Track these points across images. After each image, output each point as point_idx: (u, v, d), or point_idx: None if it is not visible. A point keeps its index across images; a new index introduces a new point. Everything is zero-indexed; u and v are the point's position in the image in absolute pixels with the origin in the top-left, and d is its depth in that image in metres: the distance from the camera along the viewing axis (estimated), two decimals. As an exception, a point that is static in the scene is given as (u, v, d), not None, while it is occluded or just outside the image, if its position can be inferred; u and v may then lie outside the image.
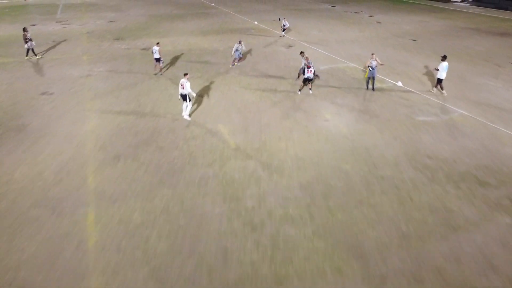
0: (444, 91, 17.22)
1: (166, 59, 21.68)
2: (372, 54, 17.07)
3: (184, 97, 14.00)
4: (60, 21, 32.78)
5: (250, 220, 9.16)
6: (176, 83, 17.97)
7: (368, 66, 17.08)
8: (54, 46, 24.35)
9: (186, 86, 13.75)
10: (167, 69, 20.18)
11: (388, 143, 12.91)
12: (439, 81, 17.15)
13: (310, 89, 16.87)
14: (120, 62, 21.24)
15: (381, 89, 17.78)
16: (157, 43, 18.68)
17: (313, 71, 16.29)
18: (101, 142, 12.68)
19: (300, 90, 16.95)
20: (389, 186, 10.59)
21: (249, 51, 23.84)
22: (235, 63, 20.80)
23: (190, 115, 14.55)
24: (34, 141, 12.69)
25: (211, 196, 10.02)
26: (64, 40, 25.96)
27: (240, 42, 20.11)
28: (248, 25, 32.22)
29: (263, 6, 43.96)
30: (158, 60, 18.77)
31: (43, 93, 16.70)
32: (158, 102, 15.97)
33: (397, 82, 18.61)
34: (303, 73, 16.43)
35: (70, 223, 8.99)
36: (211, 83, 18.23)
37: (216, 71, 19.98)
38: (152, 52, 18.66)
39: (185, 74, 13.94)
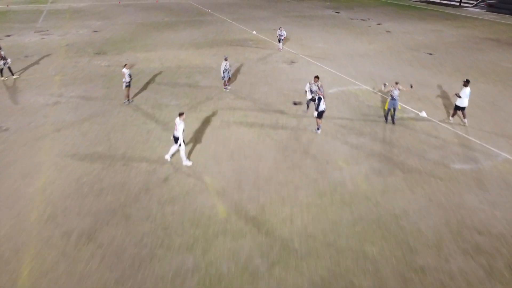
0: (466, 120, 14.74)
1: (150, 79, 18.80)
2: (396, 83, 14.14)
3: (176, 139, 11.19)
4: (40, 31, 29.85)
5: None
6: (157, 114, 15.08)
7: (390, 95, 14.21)
8: (25, 63, 21.43)
9: (179, 129, 10.98)
10: (141, 93, 17.26)
11: (422, 207, 10.02)
12: (459, 108, 14.54)
13: (319, 128, 13.97)
14: (96, 84, 18.32)
15: (402, 121, 14.90)
16: (125, 65, 15.60)
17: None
18: (51, 207, 9.78)
19: (319, 128, 13.90)
20: (434, 286, 7.70)
21: (247, 69, 20.95)
22: (228, 87, 17.87)
23: (188, 158, 12.00)
24: (-35, 206, 9.81)
25: (188, 309, 7.14)
26: (38, 55, 23.03)
27: (226, 59, 17.06)
28: (245, 35, 29.32)
29: (262, 12, 41.04)
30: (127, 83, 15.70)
31: (-5, 129, 13.82)
32: (133, 142, 13.07)
33: (420, 111, 15.72)
34: (318, 106, 13.30)
35: None
36: (200, 113, 15.34)
37: (207, 97, 17.07)
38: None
39: (180, 114, 11.10)
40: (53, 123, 14.32)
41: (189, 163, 11.71)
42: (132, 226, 9.17)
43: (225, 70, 16.99)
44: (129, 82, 15.60)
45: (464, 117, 14.70)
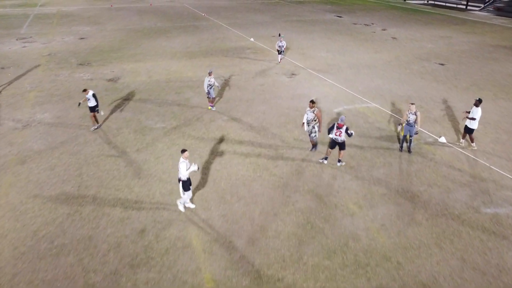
0: (474, 144, 13.21)
1: (135, 96, 16.91)
2: (412, 104, 12.31)
3: (184, 183, 9.32)
4: (22, 38, 27.94)
5: None
6: (140, 140, 13.20)
7: (406, 120, 12.36)
8: (-1, 76, 19.57)
9: (180, 169, 9.12)
10: (124, 113, 15.36)
11: (454, 271, 8.15)
12: (469, 131, 12.96)
13: (340, 160, 12.01)
14: (75, 103, 16.36)
15: (419, 149, 13.05)
16: (84, 90, 13.53)
17: (344, 132, 11.21)
18: (-3, 274, 7.91)
19: (326, 158, 12.08)
20: None
21: (243, 83, 19.07)
22: (213, 107, 15.99)
23: (172, 199, 10.00)
24: None
25: None
26: (16, 67, 21.13)
27: (210, 74, 15.07)
28: (243, 43, 27.44)
29: (261, 16, 39.14)
30: (93, 108, 13.73)
31: (-50, 161, 11.93)
32: (108, 178, 11.18)
33: (439, 137, 13.87)
34: (328, 133, 11.48)
35: None
36: (188, 140, 13.45)
37: (197, 118, 15.19)
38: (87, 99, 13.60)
39: (183, 151, 9.21)
40: (18, 153, 12.43)
41: (183, 209, 9.80)
42: (94, 303, 7.30)
43: (209, 86, 15.12)
44: (96, 106, 13.72)
45: (463, 138, 13.46)
